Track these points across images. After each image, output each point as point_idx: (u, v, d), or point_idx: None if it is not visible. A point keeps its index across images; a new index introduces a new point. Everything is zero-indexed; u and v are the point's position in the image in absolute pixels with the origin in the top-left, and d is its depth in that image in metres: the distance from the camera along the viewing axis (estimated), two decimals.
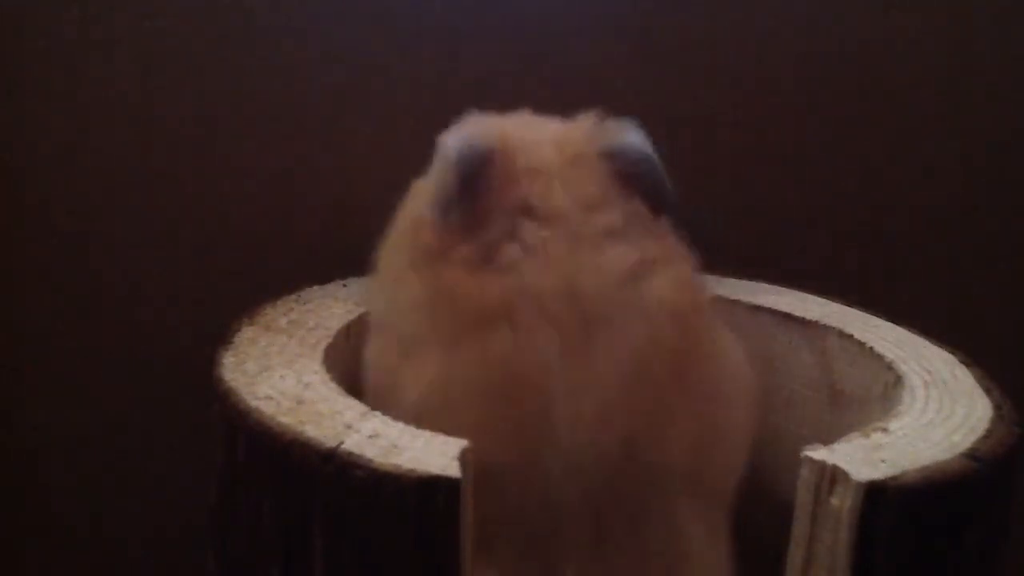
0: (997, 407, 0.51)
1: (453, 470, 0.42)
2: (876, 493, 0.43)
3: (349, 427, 0.46)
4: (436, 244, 0.53)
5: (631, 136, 0.55)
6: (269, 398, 0.48)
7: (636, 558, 0.50)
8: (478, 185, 0.52)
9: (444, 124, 0.72)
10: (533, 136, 0.55)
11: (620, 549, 0.50)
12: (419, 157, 0.73)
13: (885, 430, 0.48)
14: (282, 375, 0.51)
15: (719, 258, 0.73)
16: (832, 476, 0.44)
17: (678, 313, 0.52)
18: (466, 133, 0.54)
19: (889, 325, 0.62)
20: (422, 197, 0.55)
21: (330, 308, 0.61)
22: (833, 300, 0.66)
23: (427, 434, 0.45)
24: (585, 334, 0.50)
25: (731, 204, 0.78)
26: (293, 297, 0.62)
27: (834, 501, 0.44)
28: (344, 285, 0.65)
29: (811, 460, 0.45)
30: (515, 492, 0.49)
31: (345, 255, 0.70)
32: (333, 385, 0.50)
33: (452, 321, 0.51)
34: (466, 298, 0.51)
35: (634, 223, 0.54)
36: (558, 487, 0.49)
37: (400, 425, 0.46)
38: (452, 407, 0.49)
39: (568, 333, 0.50)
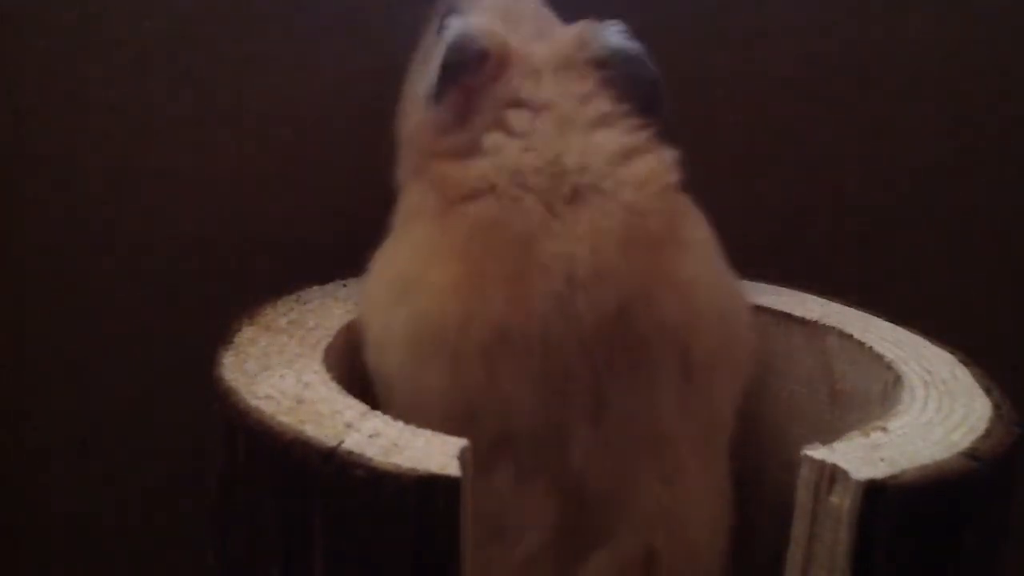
0: (996, 407, 0.52)
1: (453, 469, 0.42)
2: (875, 492, 0.43)
3: (349, 426, 0.46)
4: (429, 142, 0.55)
5: (621, 39, 0.56)
6: (269, 398, 0.48)
7: (634, 437, 0.51)
8: (468, 79, 0.54)
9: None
10: (528, 37, 0.57)
11: (620, 426, 0.50)
12: None
13: (884, 429, 0.48)
14: (282, 375, 0.51)
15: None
16: (832, 475, 0.44)
17: (667, 187, 0.54)
18: (462, 27, 0.55)
19: (889, 325, 0.62)
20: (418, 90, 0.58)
21: (330, 308, 0.61)
22: (833, 300, 0.66)
23: (427, 433, 0.45)
24: (573, 204, 0.51)
25: (731, 204, 0.78)
26: (293, 297, 0.62)
27: (834, 500, 0.44)
28: (344, 285, 0.65)
29: (811, 459, 0.45)
30: (518, 358, 0.49)
31: (345, 255, 0.70)
32: (333, 385, 0.50)
33: (438, 201, 0.53)
34: (450, 179, 0.53)
35: (623, 117, 0.55)
36: (558, 347, 0.49)
37: (400, 425, 0.46)
38: (439, 267, 0.51)
39: (554, 201, 0.51)
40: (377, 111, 0.72)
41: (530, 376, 0.49)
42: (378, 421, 0.47)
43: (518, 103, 0.54)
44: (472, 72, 0.54)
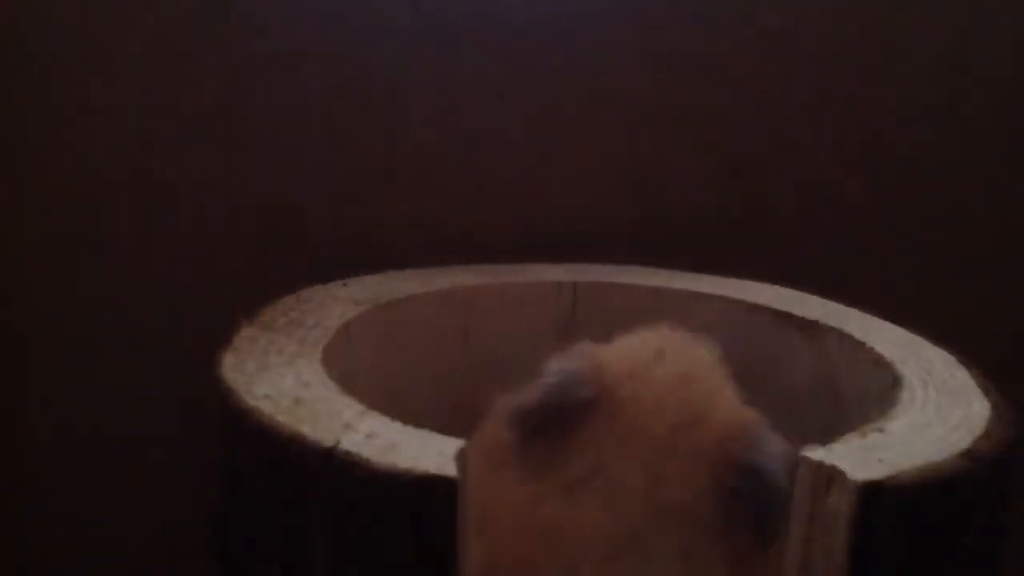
0: (995, 407, 0.51)
1: (450, 469, 0.42)
2: (873, 493, 0.43)
3: (347, 426, 0.46)
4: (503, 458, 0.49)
5: (768, 458, 0.47)
6: (268, 397, 0.48)
7: None
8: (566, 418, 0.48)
9: (444, 123, 0.73)
10: (647, 396, 0.49)
11: None
12: (419, 156, 0.74)
13: (882, 430, 0.48)
14: (281, 374, 0.51)
15: (720, 258, 0.74)
16: (829, 476, 0.44)
17: None
18: (571, 365, 0.49)
19: (889, 325, 0.62)
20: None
21: (330, 308, 0.61)
22: (833, 300, 0.66)
23: (425, 433, 0.45)
24: None
25: (732, 204, 0.78)
26: (293, 297, 0.62)
27: (831, 501, 0.44)
28: (344, 285, 0.65)
29: (808, 460, 0.45)
30: None
31: (345, 255, 0.70)
32: (332, 384, 0.50)
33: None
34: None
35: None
36: None
37: (398, 425, 0.46)
38: None
39: None
40: (378, 111, 0.72)
41: None
42: (376, 421, 0.47)
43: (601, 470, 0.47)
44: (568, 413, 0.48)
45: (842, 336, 0.61)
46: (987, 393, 0.53)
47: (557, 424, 0.48)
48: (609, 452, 0.48)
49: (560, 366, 0.49)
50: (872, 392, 0.57)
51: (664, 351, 0.50)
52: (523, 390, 0.50)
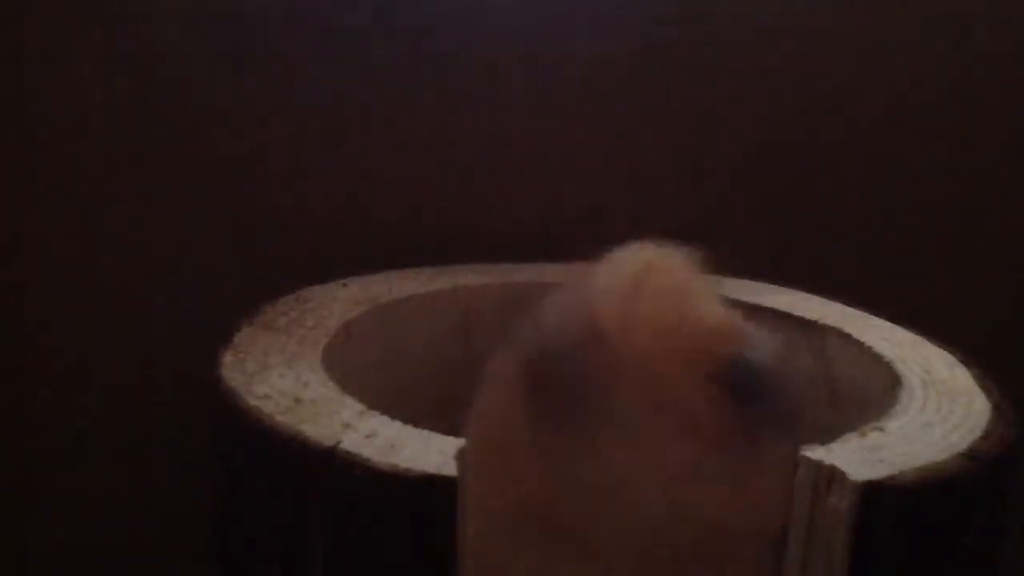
0: (996, 407, 0.51)
1: (450, 469, 0.42)
2: (873, 493, 0.43)
3: (347, 426, 0.46)
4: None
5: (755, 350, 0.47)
6: (267, 397, 0.48)
7: None
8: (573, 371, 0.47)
9: (444, 124, 0.73)
10: (646, 326, 0.47)
11: None
12: (419, 157, 0.74)
13: (882, 430, 0.48)
14: (281, 374, 0.51)
15: (720, 258, 0.73)
16: (829, 476, 0.44)
17: None
18: (561, 312, 0.48)
19: (889, 325, 0.62)
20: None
21: (330, 308, 0.61)
22: (833, 300, 0.66)
23: (425, 433, 0.46)
24: None
25: (731, 204, 0.78)
26: (293, 297, 0.62)
27: (831, 501, 0.44)
28: (344, 285, 0.65)
29: (808, 460, 0.45)
30: None
31: (345, 255, 0.70)
32: (331, 384, 0.51)
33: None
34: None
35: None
36: None
37: (398, 424, 0.46)
38: None
39: None
40: (378, 110, 0.72)
41: None
42: (376, 421, 0.47)
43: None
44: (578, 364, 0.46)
45: (842, 336, 0.61)
46: (987, 393, 0.53)
47: (567, 380, 0.47)
48: (619, 396, 0.46)
49: (556, 323, 0.48)
50: (872, 392, 0.57)
51: (646, 276, 0.49)
52: (521, 346, 0.48)
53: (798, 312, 0.64)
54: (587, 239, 0.77)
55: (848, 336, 0.60)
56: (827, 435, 0.49)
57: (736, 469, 0.46)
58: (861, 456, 0.45)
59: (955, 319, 0.64)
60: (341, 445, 0.44)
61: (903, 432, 0.48)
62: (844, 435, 0.48)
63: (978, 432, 0.48)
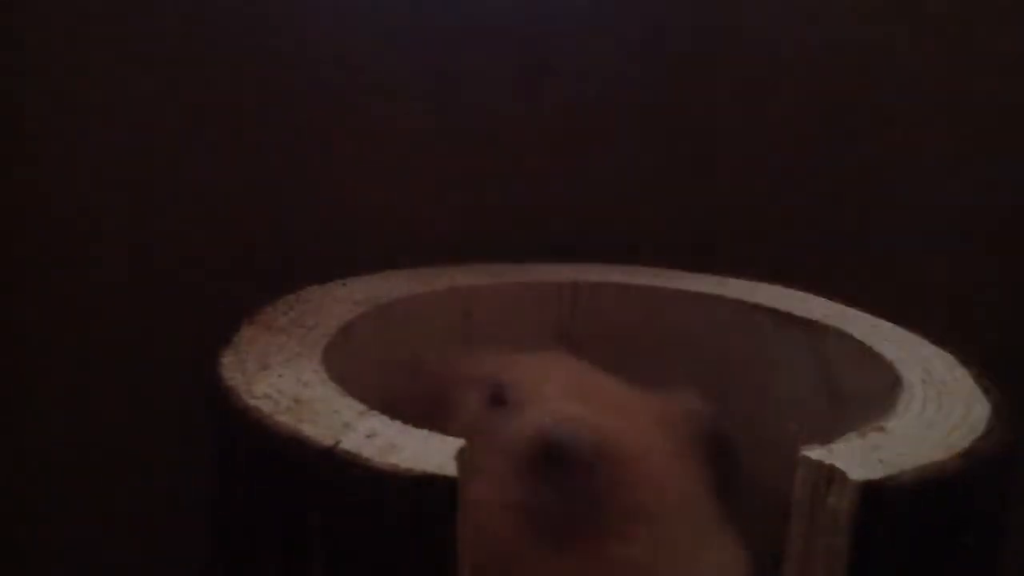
0: (996, 407, 0.51)
1: (450, 469, 0.42)
2: (873, 493, 0.43)
3: (347, 426, 0.46)
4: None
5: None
6: (267, 397, 0.48)
7: None
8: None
9: (442, 123, 0.73)
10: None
11: None
12: (418, 156, 0.74)
13: (882, 430, 0.48)
14: (280, 374, 0.51)
15: (720, 258, 0.73)
16: (829, 476, 0.44)
17: None
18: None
19: (889, 325, 0.62)
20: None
21: (330, 308, 0.61)
22: (833, 300, 0.66)
23: (424, 433, 0.45)
24: None
25: (731, 204, 0.78)
26: (293, 297, 0.62)
27: (831, 501, 0.44)
28: (344, 285, 0.65)
29: (808, 460, 0.45)
30: None
31: (345, 255, 0.70)
32: (331, 384, 0.50)
33: None
34: None
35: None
36: None
37: (398, 424, 0.46)
38: None
39: None
40: (377, 111, 0.72)
41: None
42: (376, 421, 0.47)
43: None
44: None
45: (842, 336, 0.61)
46: (987, 393, 0.53)
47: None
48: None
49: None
50: (872, 392, 0.57)
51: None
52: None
53: (798, 312, 0.64)
54: (587, 239, 0.77)
55: (848, 336, 0.60)
56: (827, 435, 0.49)
57: None
58: (861, 456, 0.45)
59: (955, 319, 0.64)
60: (341, 445, 0.44)
61: (903, 432, 0.48)
62: (844, 435, 0.48)
63: (978, 432, 0.48)
